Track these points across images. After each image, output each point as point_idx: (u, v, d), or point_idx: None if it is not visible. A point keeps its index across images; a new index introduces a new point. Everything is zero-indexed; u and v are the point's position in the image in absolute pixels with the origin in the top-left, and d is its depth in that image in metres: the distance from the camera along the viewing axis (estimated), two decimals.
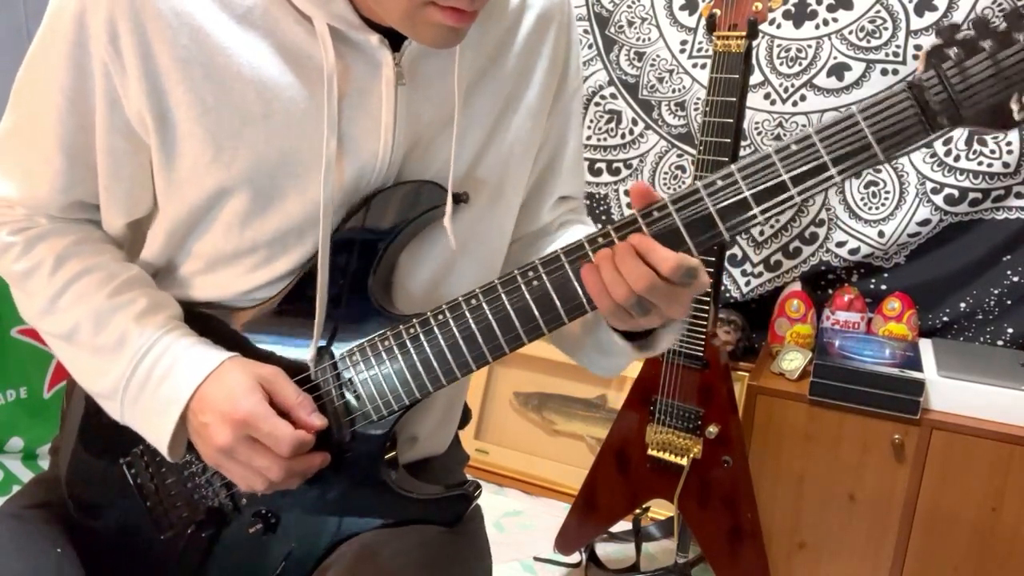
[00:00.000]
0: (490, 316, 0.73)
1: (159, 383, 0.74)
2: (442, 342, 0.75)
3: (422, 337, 0.75)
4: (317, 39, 0.71)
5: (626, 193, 2.17)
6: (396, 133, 0.75)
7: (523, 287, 0.72)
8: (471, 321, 0.74)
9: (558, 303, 0.72)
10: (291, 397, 0.74)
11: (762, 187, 0.67)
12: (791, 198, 0.67)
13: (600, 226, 0.71)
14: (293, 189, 0.74)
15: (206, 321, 0.80)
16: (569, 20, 0.86)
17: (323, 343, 0.78)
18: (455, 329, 0.74)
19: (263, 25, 0.71)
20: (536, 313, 0.72)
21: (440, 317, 0.75)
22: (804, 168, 0.66)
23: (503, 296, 0.73)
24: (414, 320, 0.76)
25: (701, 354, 1.53)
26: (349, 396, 0.77)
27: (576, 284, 0.71)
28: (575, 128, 0.90)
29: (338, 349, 0.78)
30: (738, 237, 2.05)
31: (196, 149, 0.73)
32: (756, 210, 0.67)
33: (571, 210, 0.94)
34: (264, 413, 0.72)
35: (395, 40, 0.73)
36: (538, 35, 0.82)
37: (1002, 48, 0.63)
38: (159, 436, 0.74)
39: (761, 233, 2.04)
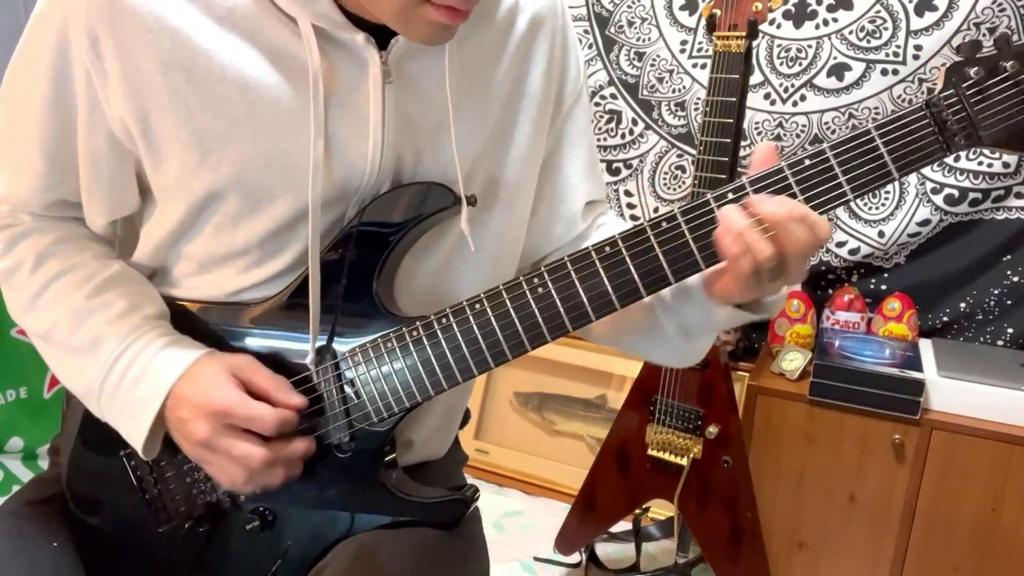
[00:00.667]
0: (494, 321, 0.73)
1: (133, 385, 0.74)
2: (444, 346, 0.74)
3: (424, 340, 0.75)
4: (302, 39, 0.70)
5: (628, 193, 2.17)
6: (385, 132, 0.74)
7: (528, 293, 0.72)
8: (474, 326, 0.73)
9: (562, 310, 0.71)
10: (266, 382, 0.74)
11: None
12: None
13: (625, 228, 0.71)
14: (282, 190, 0.74)
15: (206, 321, 0.79)
16: (563, 23, 0.85)
17: (326, 342, 0.78)
18: (458, 333, 0.74)
19: (245, 26, 0.70)
20: (540, 320, 0.72)
21: (443, 321, 0.74)
22: (818, 187, 0.65)
23: (507, 302, 0.73)
24: (417, 323, 0.75)
25: None
26: (350, 396, 0.77)
27: (581, 292, 0.71)
28: (584, 132, 0.89)
29: (340, 348, 0.77)
30: None
31: (182, 153, 0.72)
32: None
33: (601, 214, 0.93)
34: (240, 400, 0.71)
35: (381, 38, 0.73)
36: (530, 39, 0.82)
37: None
38: (134, 436, 0.75)
39: None
